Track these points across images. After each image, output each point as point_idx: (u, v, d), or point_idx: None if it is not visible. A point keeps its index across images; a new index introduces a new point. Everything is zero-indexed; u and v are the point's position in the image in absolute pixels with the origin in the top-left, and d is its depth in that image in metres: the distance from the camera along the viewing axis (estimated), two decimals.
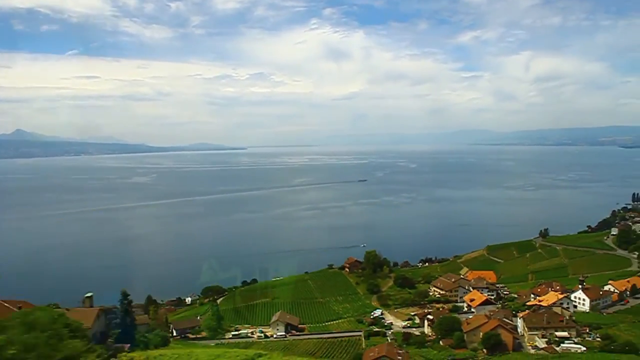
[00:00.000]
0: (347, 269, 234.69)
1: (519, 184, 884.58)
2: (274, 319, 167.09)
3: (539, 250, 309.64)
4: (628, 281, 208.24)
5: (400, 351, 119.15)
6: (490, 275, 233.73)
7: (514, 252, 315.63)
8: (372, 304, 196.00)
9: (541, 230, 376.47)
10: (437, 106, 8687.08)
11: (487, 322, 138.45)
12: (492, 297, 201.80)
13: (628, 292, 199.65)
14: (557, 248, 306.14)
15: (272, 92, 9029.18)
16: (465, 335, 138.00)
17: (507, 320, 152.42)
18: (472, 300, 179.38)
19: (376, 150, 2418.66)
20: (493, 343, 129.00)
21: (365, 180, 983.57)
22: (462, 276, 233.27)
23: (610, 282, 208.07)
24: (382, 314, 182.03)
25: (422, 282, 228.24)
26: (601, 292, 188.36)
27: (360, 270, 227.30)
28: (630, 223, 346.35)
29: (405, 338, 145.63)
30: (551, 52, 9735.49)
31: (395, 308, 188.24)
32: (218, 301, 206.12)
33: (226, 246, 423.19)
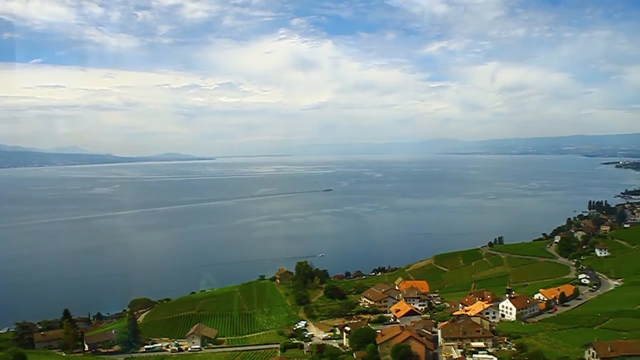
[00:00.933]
0: (278, 280, 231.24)
1: (481, 192, 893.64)
2: (190, 331, 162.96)
3: (485, 259, 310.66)
4: (558, 289, 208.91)
5: None
6: (422, 285, 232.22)
7: (460, 261, 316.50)
8: (299, 315, 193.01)
9: (495, 239, 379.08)
10: (405, 116, 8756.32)
11: (400, 333, 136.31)
12: (424, 307, 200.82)
13: (557, 300, 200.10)
14: (502, 257, 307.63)
15: (241, 102, 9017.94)
16: (378, 347, 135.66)
17: (425, 331, 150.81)
18: (397, 310, 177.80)
19: (344, 160, 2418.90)
20: (402, 355, 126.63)
21: (330, 190, 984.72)
22: (395, 286, 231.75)
23: (541, 290, 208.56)
24: (306, 325, 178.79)
25: (353, 292, 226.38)
26: (528, 301, 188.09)
27: (290, 282, 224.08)
28: (572, 231, 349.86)
29: (320, 350, 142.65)
30: (516, 62, 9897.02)
31: (321, 319, 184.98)
32: (144, 314, 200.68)
33: (181, 257, 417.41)
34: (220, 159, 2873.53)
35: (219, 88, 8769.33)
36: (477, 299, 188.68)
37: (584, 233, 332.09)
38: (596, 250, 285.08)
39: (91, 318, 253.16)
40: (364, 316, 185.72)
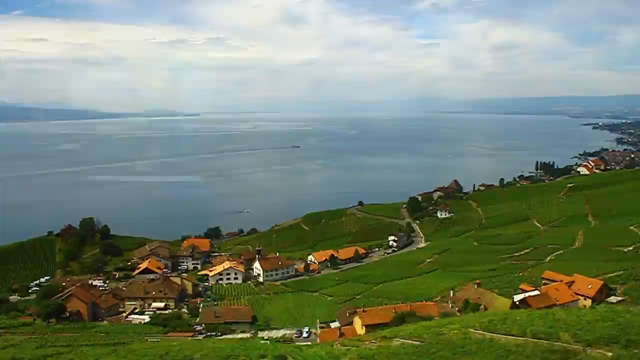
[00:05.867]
0: (61, 236, 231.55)
1: (442, 151, 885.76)
2: None
3: (343, 219, 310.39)
4: (337, 252, 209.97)
5: None
6: (204, 244, 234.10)
7: (323, 221, 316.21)
8: (58, 272, 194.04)
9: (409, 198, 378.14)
10: (395, 73, 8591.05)
11: (71, 290, 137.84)
12: (197, 265, 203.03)
13: (328, 263, 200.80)
14: (359, 217, 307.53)
15: (229, 58, 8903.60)
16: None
17: (123, 289, 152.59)
18: (139, 268, 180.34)
19: (328, 117, 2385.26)
20: (51, 310, 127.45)
21: (298, 147, 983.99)
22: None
23: (313, 253, 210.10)
24: (46, 282, 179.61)
25: (135, 249, 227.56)
26: (280, 263, 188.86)
27: (71, 238, 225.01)
28: (432, 191, 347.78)
29: (4, 307, 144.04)
30: (508, 21, 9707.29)
31: (75, 276, 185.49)
32: None
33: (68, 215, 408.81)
34: (205, 115, 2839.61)
35: (207, 43, 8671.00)
36: (226, 258, 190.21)
37: (440, 194, 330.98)
38: (438, 211, 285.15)
39: None
40: (116, 273, 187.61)
